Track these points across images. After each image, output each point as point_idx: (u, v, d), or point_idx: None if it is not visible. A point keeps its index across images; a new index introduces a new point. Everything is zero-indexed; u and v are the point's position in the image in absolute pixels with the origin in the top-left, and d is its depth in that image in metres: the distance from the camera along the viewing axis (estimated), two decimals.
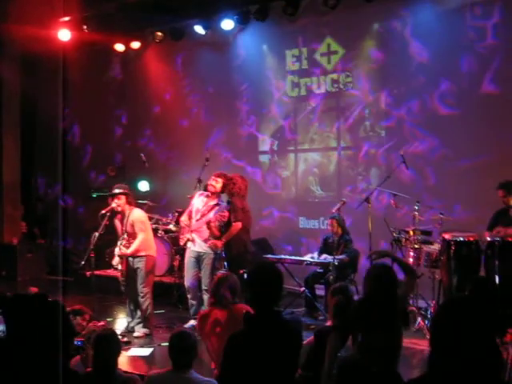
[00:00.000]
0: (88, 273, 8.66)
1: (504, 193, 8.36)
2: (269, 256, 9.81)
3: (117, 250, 8.65)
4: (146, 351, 7.88)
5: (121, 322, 9.26)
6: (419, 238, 8.79)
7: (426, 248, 8.69)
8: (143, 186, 12.84)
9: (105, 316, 9.31)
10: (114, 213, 8.58)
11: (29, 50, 12.95)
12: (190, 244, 9.02)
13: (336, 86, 11.42)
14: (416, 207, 8.84)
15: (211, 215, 8.95)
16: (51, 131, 14.39)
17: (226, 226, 9.00)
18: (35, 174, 15.12)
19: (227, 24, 11.87)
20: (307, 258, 9.61)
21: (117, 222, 8.66)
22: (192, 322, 8.66)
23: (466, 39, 9.95)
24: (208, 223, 8.86)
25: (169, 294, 10.65)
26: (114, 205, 8.43)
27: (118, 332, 8.07)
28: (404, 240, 8.92)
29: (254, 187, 11.09)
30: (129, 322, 8.81)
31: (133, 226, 8.44)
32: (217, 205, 9.00)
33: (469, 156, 9.81)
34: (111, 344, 4.87)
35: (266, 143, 12.36)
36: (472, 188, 9.70)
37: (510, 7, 9.62)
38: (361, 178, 11.14)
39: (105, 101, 14.46)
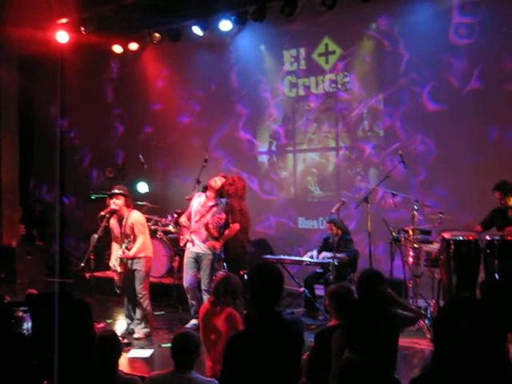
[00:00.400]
0: (87, 275, 8.65)
1: (501, 194, 8.38)
2: (268, 256, 9.82)
3: (115, 254, 8.63)
4: (146, 352, 7.87)
5: (121, 324, 9.25)
6: (419, 237, 8.80)
7: (425, 247, 8.69)
8: (142, 187, 12.83)
9: (105, 318, 9.33)
10: (111, 214, 8.57)
11: (27, 52, 12.95)
12: (189, 245, 9.03)
13: (334, 86, 11.43)
14: (415, 207, 8.84)
15: (209, 216, 8.95)
16: (49, 133, 14.38)
17: (224, 227, 9.00)
18: (34, 176, 15.09)
19: (225, 25, 11.89)
20: (306, 257, 9.60)
21: (113, 223, 8.63)
22: (194, 322, 8.69)
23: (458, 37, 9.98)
24: (206, 225, 8.88)
25: (168, 296, 10.65)
26: (112, 205, 8.42)
27: (118, 334, 8.06)
28: (403, 239, 8.93)
29: (252, 189, 11.11)
30: (129, 324, 8.81)
31: (132, 228, 8.43)
32: (215, 205, 9.00)
33: (468, 155, 9.85)
34: (112, 346, 4.87)
35: (264, 144, 12.36)
36: (468, 186, 9.72)
37: (496, 4, 9.67)
38: (359, 178, 11.14)
39: (103, 102, 14.46)
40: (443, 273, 8.32)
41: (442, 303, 8.31)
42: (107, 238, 8.90)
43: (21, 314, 5.53)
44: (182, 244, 9.32)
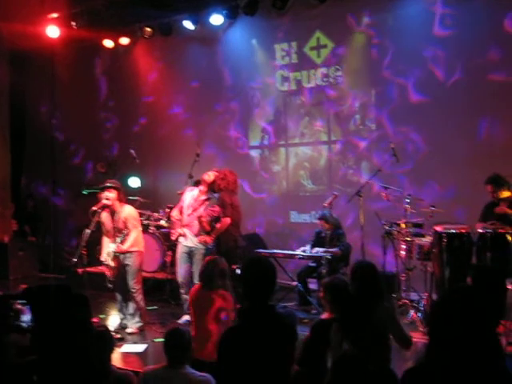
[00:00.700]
0: (80, 270, 8.63)
1: (493, 188, 8.39)
2: (261, 250, 9.83)
3: (106, 249, 8.60)
4: (139, 347, 7.87)
5: (114, 319, 9.23)
6: (411, 230, 8.82)
7: (417, 241, 8.71)
8: (134, 182, 12.80)
9: (98, 313, 9.31)
10: (102, 209, 8.55)
11: (18, 47, 12.89)
12: (181, 239, 9.03)
13: (326, 79, 11.43)
14: (407, 200, 8.87)
15: (202, 210, 8.96)
16: (41, 128, 14.36)
17: (216, 221, 9.00)
18: (25, 172, 15.05)
19: (216, 19, 11.86)
20: (299, 251, 9.61)
21: (105, 217, 8.59)
22: (186, 318, 8.68)
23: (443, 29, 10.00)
24: (199, 218, 8.87)
25: (161, 290, 10.65)
26: (104, 200, 8.39)
27: (111, 329, 8.06)
28: (396, 233, 8.95)
29: (245, 181, 11.11)
30: (121, 319, 8.80)
31: (125, 222, 8.41)
32: (208, 199, 9.00)
33: (459, 147, 9.88)
34: (104, 341, 4.87)
35: (256, 138, 12.35)
36: (460, 179, 9.76)
37: None
38: (352, 172, 11.15)
39: (94, 97, 14.42)
40: (435, 266, 8.33)
41: (434, 296, 8.32)
42: (99, 233, 8.88)
43: (19, 306, 5.57)
44: (173, 238, 9.31)
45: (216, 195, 9.09)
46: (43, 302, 3.40)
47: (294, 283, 9.50)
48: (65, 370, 3.24)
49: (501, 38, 9.62)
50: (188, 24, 12.21)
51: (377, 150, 10.75)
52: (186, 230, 9.00)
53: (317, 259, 9.23)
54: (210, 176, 9.06)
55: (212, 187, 9.08)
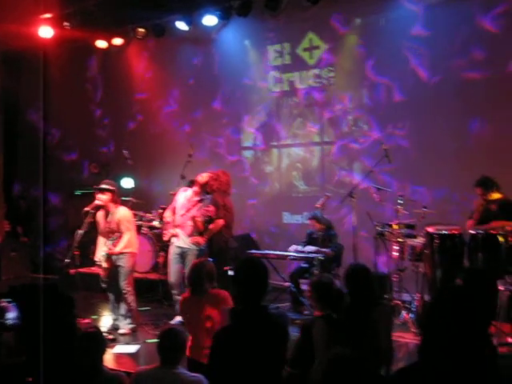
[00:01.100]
0: (72, 271, 8.64)
1: (482, 190, 8.41)
2: (253, 251, 9.83)
3: (100, 249, 8.61)
4: (131, 348, 7.87)
5: (106, 320, 9.23)
6: (403, 231, 8.84)
7: (409, 241, 8.72)
8: (127, 183, 12.79)
9: (90, 314, 9.31)
10: (97, 209, 8.56)
11: (10, 48, 12.87)
12: (174, 239, 9.02)
13: (318, 80, 11.45)
14: (400, 201, 8.89)
15: (195, 211, 8.96)
16: (33, 128, 14.32)
17: (209, 222, 9.00)
18: (18, 172, 15.00)
19: (209, 20, 11.86)
20: (291, 250, 9.58)
21: (99, 217, 8.61)
22: (179, 318, 8.69)
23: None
24: (193, 218, 8.87)
25: (154, 291, 10.65)
26: (96, 200, 8.41)
27: (104, 329, 8.07)
28: (388, 234, 8.97)
29: (238, 183, 11.11)
30: (114, 320, 8.80)
31: (118, 224, 8.42)
32: (201, 200, 9.01)
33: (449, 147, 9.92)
34: (96, 342, 4.87)
35: (249, 139, 12.37)
36: (451, 179, 9.79)
37: None
38: (344, 173, 11.17)
39: (87, 98, 14.41)
40: (427, 267, 8.35)
41: (426, 297, 8.34)
42: (92, 234, 8.88)
43: (4, 304, 5.55)
44: (165, 239, 9.31)
45: (209, 196, 9.10)
46: (29, 300, 3.38)
47: (287, 284, 9.50)
48: (51, 371, 3.24)
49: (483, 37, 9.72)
50: (181, 25, 12.21)
51: (369, 151, 10.76)
52: (178, 231, 9.00)
53: (309, 260, 9.24)
54: (203, 177, 9.06)
55: (205, 188, 9.10)
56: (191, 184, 9.46)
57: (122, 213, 8.53)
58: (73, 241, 8.54)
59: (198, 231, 8.89)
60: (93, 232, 8.84)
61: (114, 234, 8.43)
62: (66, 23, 12.34)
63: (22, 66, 14.13)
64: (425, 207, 8.77)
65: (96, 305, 10.08)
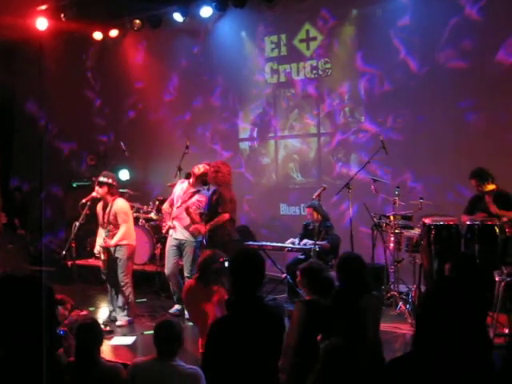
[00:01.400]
0: (69, 263, 8.64)
1: (477, 182, 8.42)
2: (250, 243, 9.84)
3: (99, 241, 8.63)
4: (128, 340, 7.87)
5: (103, 312, 9.25)
6: (399, 222, 8.85)
7: (406, 233, 8.75)
8: (124, 174, 12.79)
9: (87, 305, 9.30)
10: (95, 201, 8.57)
11: (6, 39, 12.84)
12: (171, 231, 9.02)
13: (315, 72, 11.43)
14: (396, 192, 8.90)
15: (191, 202, 8.95)
16: (30, 120, 14.30)
17: (211, 215, 8.93)
18: (14, 165, 14.98)
19: (205, 11, 11.85)
20: (288, 243, 9.61)
21: (99, 209, 8.64)
22: (177, 307, 8.74)
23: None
24: (187, 209, 8.85)
25: (151, 283, 10.66)
26: (93, 193, 8.44)
27: (101, 321, 8.08)
28: (384, 225, 8.98)
29: (234, 175, 11.10)
30: (111, 311, 8.81)
31: (115, 216, 8.43)
32: (197, 192, 8.99)
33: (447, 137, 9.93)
34: (93, 333, 4.89)
35: (245, 130, 12.36)
36: (448, 171, 9.80)
37: None
38: (341, 164, 11.17)
39: (83, 90, 14.38)
40: (424, 258, 8.36)
41: (423, 288, 8.35)
42: (89, 226, 8.87)
43: None
44: (164, 231, 9.33)
45: (206, 188, 9.08)
46: (7, 291, 3.34)
47: (284, 275, 9.51)
48: (32, 363, 3.22)
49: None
50: (177, 16, 12.17)
51: (366, 143, 10.76)
52: (175, 223, 8.99)
53: (305, 251, 9.25)
54: (200, 169, 9.05)
55: (203, 180, 9.07)
56: (189, 176, 9.44)
57: (120, 205, 8.53)
58: (70, 233, 8.54)
59: (193, 223, 8.87)
60: (90, 224, 8.84)
61: (110, 225, 8.45)
62: (62, 15, 12.30)
63: (17, 58, 14.09)
64: (421, 198, 8.78)
65: (93, 297, 10.10)
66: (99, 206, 8.62)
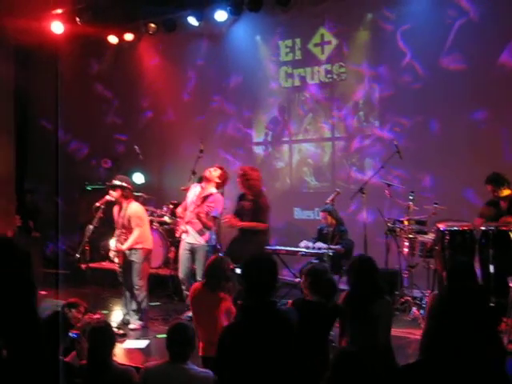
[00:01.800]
0: (83, 266, 8.67)
1: (493, 187, 8.39)
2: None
3: (112, 244, 8.66)
4: (141, 343, 7.88)
5: (116, 315, 9.27)
6: (414, 227, 8.82)
7: (420, 238, 8.72)
8: (138, 178, 12.80)
9: (100, 309, 9.31)
10: (110, 204, 8.60)
11: (22, 43, 12.89)
12: (184, 235, 9.02)
13: (330, 76, 11.42)
14: (410, 197, 8.87)
15: (202, 208, 8.92)
16: (44, 124, 14.36)
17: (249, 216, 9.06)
18: (28, 168, 15.05)
19: (220, 15, 11.86)
20: (302, 247, 9.57)
21: (115, 212, 8.67)
22: (189, 314, 8.71)
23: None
24: (197, 215, 8.83)
25: (164, 286, 10.67)
26: (107, 196, 8.47)
27: (114, 324, 8.09)
28: (398, 230, 8.95)
29: None
30: (124, 315, 8.82)
31: (129, 220, 8.45)
32: (210, 195, 8.98)
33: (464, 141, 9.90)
34: (105, 336, 4.90)
35: (260, 134, 12.36)
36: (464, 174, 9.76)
37: None
38: (355, 169, 11.15)
39: (98, 93, 14.43)
40: (438, 263, 8.33)
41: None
42: (102, 229, 8.89)
43: None
44: (177, 235, 9.32)
45: (219, 193, 9.08)
46: None
47: (297, 280, 9.49)
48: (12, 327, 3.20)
49: None
50: (192, 20, 12.19)
51: (380, 147, 10.74)
52: (188, 227, 8.99)
53: (319, 256, 9.23)
54: (211, 173, 9.04)
55: (217, 183, 9.07)
56: (201, 180, 9.45)
57: (134, 209, 8.56)
58: (83, 236, 8.57)
59: (205, 228, 8.86)
60: (104, 227, 8.86)
61: (123, 229, 8.47)
62: (77, 19, 12.36)
63: (33, 62, 14.15)
64: (436, 203, 8.74)
65: (106, 299, 10.12)
66: (115, 210, 8.65)
